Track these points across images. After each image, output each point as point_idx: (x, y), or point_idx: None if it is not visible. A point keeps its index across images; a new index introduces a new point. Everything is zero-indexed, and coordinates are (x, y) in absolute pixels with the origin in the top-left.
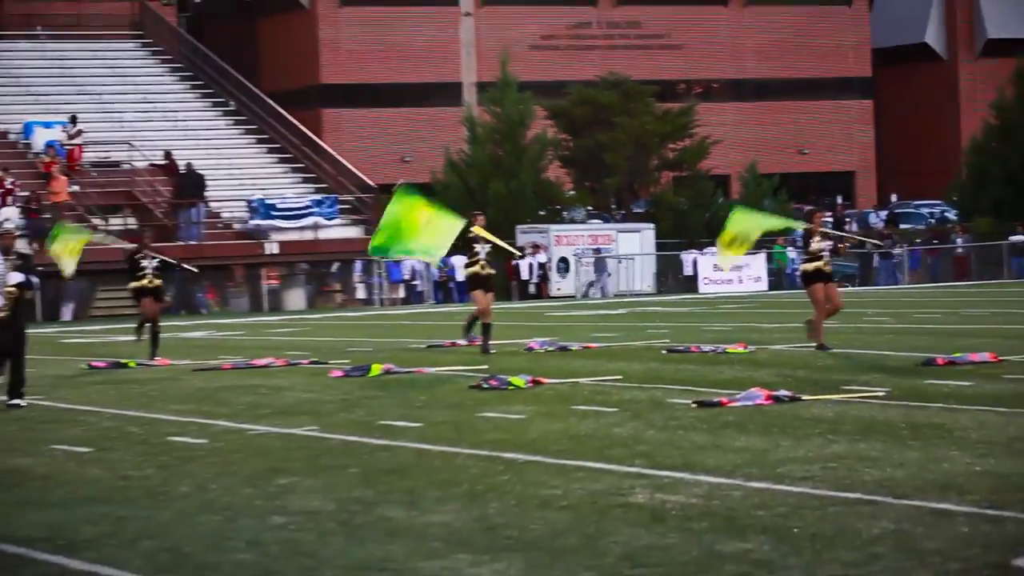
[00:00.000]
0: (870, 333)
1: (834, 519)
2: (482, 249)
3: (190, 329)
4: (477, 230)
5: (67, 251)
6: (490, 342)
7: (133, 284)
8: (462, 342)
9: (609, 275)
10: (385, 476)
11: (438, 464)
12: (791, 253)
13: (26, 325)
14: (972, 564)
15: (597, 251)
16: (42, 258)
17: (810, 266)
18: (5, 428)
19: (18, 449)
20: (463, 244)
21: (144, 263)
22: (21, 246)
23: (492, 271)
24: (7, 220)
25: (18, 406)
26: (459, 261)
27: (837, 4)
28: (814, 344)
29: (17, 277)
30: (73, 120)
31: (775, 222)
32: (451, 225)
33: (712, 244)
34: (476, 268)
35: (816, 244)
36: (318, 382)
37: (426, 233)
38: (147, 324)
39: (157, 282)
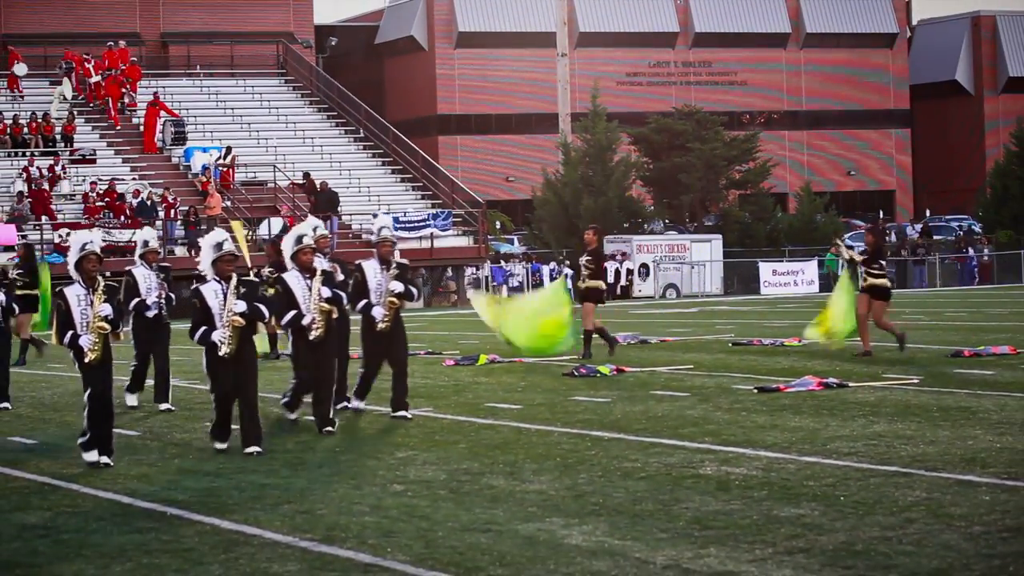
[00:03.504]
0: (906, 329)
1: (874, 488)
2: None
3: None
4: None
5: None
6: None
7: None
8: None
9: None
10: (489, 450)
11: (535, 440)
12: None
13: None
14: (992, 527)
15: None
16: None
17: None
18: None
19: (177, 426)
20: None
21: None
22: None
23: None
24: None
25: (405, 418)
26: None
27: (880, 47)
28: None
29: (398, 286)
30: (228, 150)
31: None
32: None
33: (774, 254)
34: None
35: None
36: (433, 370)
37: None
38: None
39: None
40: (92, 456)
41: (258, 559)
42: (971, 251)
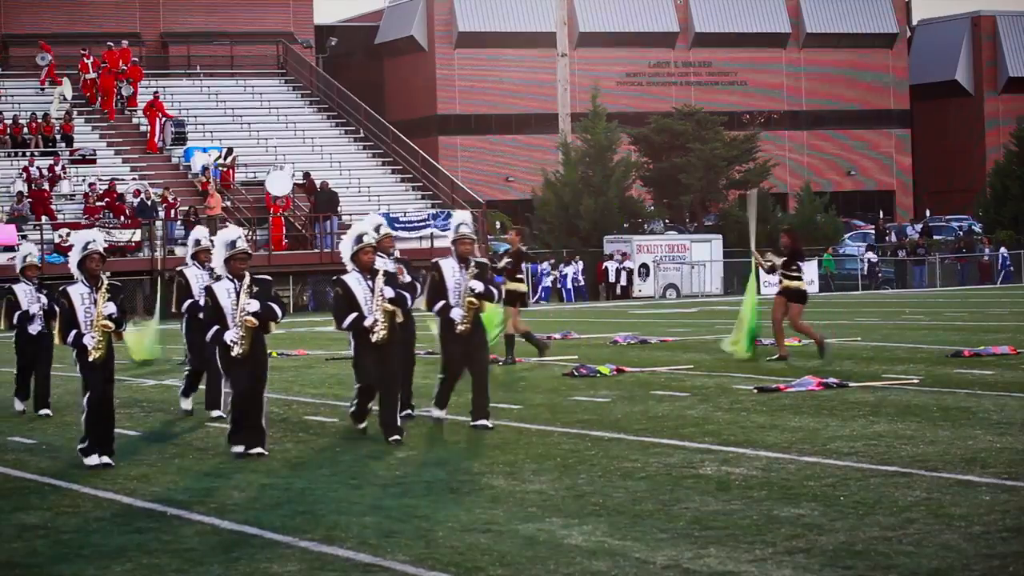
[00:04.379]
0: (906, 329)
1: (874, 488)
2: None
3: (324, 324)
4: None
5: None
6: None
7: None
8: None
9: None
10: (490, 451)
11: (535, 440)
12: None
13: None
14: (992, 528)
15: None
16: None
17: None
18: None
19: (178, 427)
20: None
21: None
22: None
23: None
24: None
25: (486, 427)
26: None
27: (880, 47)
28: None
29: (479, 286)
30: (230, 151)
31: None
32: None
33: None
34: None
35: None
36: (433, 369)
37: None
38: None
39: None
40: (93, 460)
41: (258, 559)
42: (1004, 250)
